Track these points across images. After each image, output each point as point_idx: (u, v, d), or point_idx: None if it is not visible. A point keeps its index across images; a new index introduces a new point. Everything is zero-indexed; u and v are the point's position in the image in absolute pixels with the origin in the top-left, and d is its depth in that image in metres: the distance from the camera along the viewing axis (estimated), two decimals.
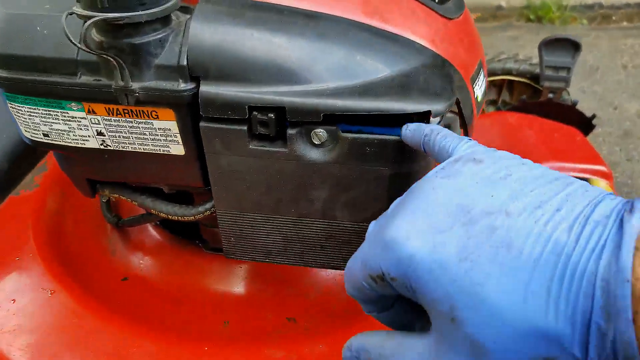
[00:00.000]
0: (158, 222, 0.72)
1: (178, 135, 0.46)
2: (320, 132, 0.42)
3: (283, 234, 0.51)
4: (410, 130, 0.40)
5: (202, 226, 0.66)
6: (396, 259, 0.30)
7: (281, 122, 0.42)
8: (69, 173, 0.55)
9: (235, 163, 0.46)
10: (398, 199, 0.35)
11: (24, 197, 0.73)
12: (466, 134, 0.49)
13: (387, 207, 0.46)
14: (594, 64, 2.06)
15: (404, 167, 0.43)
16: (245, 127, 0.43)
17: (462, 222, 0.29)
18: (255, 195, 0.48)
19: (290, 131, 0.42)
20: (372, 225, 0.36)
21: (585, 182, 0.30)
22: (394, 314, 0.36)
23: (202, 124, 0.44)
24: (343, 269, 0.53)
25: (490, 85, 1.23)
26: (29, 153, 0.77)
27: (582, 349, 0.26)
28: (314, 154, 0.44)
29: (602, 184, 0.88)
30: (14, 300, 0.59)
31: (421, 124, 0.41)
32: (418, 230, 0.30)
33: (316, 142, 0.43)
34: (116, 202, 0.77)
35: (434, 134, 0.38)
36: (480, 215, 0.29)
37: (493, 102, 1.24)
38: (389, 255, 0.31)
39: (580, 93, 1.87)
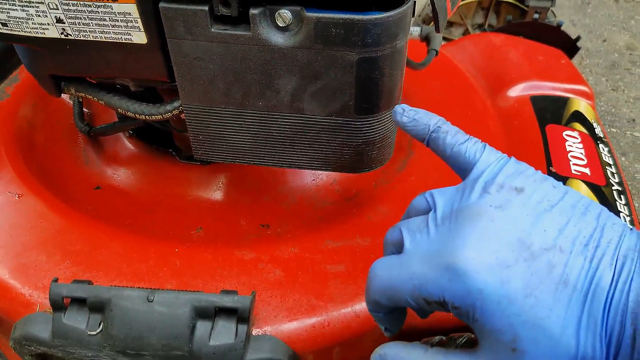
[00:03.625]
0: (131, 132, 0.70)
1: (139, 20, 0.44)
2: (285, 13, 0.41)
3: (252, 130, 0.50)
4: (409, 119, 0.40)
5: (175, 133, 0.65)
6: (465, 291, 0.32)
7: (243, 0, 0.41)
8: (33, 70, 0.53)
9: (199, 49, 0.44)
10: (437, 218, 0.36)
11: None
12: (437, 25, 0.48)
13: (355, 99, 0.45)
14: None
15: (371, 52, 0.42)
16: (206, 7, 0.41)
17: (524, 257, 0.32)
18: (221, 86, 0.46)
19: (253, 11, 0.41)
20: (410, 240, 0.37)
21: (605, 209, 0.34)
22: (393, 318, 0.40)
23: (161, 4, 0.42)
24: (312, 169, 0.53)
25: (478, 7, 1.21)
26: None
27: None
28: (279, 38, 0.42)
29: (582, 103, 0.87)
30: None
31: (420, 111, 0.41)
32: (487, 264, 0.32)
33: (280, 25, 0.41)
34: (91, 114, 0.76)
35: (442, 131, 0.39)
36: (539, 252, 0.32)
37: (480, 26, 1.22)
38: (458, 286, 0.33)
39: (571, 26, 1.84)
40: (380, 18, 0.40)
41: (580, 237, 0.32)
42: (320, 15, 0.40)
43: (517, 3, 1.14)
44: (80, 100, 0.73)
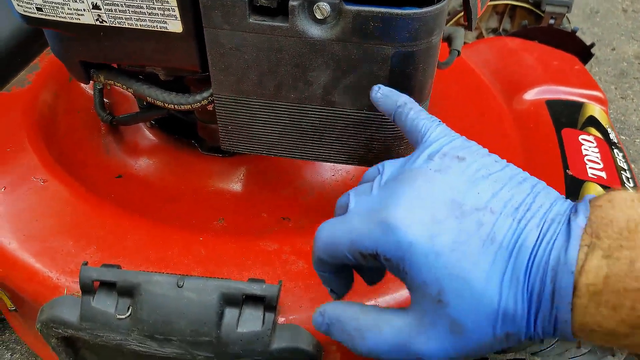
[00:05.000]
0: (153, 122, 0.71)
1: (176, 8, 0.44)
2: (324, 5, 0.41)
3: (282, 122, 0.50)
4: (382, 95, 0.44)
5: (199, 123, 0.66)
6: (396, 244, 0.33)
7: None
8: (63, 55, 0.53)
9: (235, 40, 0.45)
10: (381, 181, 0.38)
11: (16, 93, 0.72)
12: (469, 23, 0.48)
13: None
14: (594, 6, 2.03)
15: (407, 46, 0.42)
16: None
17: (455, 215, 0.33)
18: (255, 76, 0.47)
19: (293, 2, 0.41)
20: (355, 201, 0.39)
21: (543, 182, 0.35)
22: (338, 279, 0.41)
23: None
24: (340, 162, 0.53)
25: (492, 12, 1.21)
26: (20, 50, 0.75)
27: (531, 325, 0.31)
28: (316, 31, 0.43)
29: (597, 109, 0.88)
30: (4, 187, 0.59)
31: (393, 90, 0.44)
32: (418, 219, 0.33)
33: (319, 17, 0.42)
34: (110, 104, 0.76)
35: (407, 107, 0.42)
36: (470, 211, 0.33)
37: (494, 30, 1.23)
38: (389, 239, 0.34)
39: (580, 34, 1.84)
40: (420, 13, 0.40)
41: (513, 201, 0.33)
42: (360, 8, 0.41)
43: (533, 8, 1.14)
44: (102, 89, 0.73)
